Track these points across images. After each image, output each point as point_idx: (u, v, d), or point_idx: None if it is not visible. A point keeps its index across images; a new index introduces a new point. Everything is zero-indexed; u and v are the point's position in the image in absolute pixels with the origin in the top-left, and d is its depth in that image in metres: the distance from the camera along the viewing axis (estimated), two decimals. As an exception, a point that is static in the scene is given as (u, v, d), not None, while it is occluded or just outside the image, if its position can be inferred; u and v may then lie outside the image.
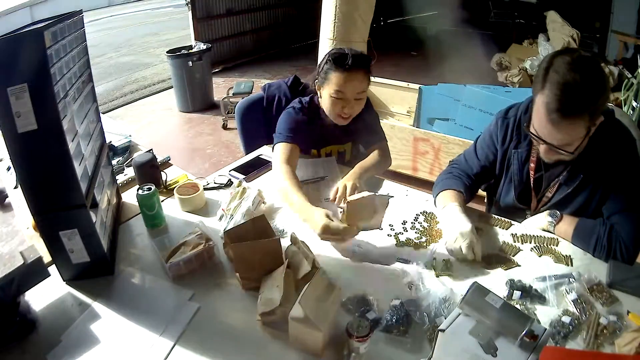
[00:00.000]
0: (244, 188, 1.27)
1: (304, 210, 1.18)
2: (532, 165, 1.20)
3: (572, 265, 1.05)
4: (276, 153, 1.39)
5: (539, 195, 1.22)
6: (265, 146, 1.68)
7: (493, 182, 1.34)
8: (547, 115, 0.97)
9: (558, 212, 1.15)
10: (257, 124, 1.73)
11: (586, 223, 1.11)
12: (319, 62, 1.48)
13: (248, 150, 1.70)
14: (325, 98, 1.42)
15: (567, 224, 1.13)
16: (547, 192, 1.19)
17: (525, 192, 1.24)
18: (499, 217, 1.24)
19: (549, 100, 0.96)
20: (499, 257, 1.08)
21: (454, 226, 1.10)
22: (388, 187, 1.39)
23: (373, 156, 1.50)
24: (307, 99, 1.53)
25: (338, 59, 1.36)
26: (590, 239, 1.08)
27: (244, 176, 1.45)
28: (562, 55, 0.98)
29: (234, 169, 1.51)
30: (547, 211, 1.17)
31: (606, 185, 1.09)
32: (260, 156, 1.60)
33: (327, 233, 1.08)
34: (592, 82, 0.94)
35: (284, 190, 1.28)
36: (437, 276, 1.03)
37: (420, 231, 1.19)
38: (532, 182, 1.21)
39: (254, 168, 1.52)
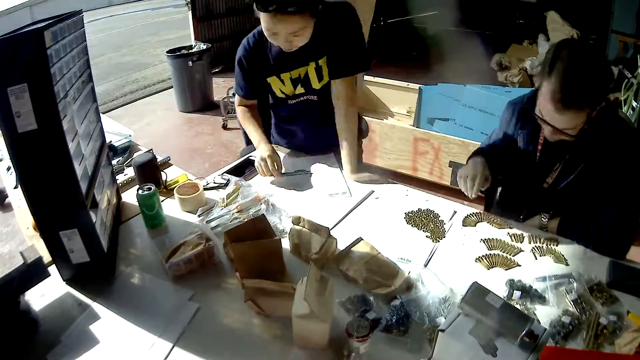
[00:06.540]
0: (238, 187, 1.29)
1: (254, 139, 1.50)
2: (539, 147, 1.23)
3: (572, 266, 1.05)
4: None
5: (543, 175, 1.24)
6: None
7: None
8: (552, 103, 1.01)
9: (550, 212, 1.22)
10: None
11: (573, 217, 1.17)
12: None
13: (248, 141, 1.69)
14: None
15: (556, 219, 1.19)
16: (550, 174, 1.22)
17: (530, 172, 1.26)
18: (499, 217, 1.24)
19: (554, 88, 1.00)
20: (499, 257, 1.08)
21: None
22: (389, 186, 1.39)
23: (348, 137, 1.42)
24: (255, 32, 1.39)
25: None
26: (575, 226, 1.14)
27: (239, 178, 1.44)
28: (569, 45, 1.04)
29: (226, 172, 1.50)
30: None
31: (606, 176, 1.12)
32: (250, 157, 1.59)
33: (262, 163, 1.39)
34: (595, 74, 0.99)
35: (242, 125, 1.58)
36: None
37: (420, 231, 1.19)
38: (537, 159, 1.24)
39: (247, 168, 1.52)
